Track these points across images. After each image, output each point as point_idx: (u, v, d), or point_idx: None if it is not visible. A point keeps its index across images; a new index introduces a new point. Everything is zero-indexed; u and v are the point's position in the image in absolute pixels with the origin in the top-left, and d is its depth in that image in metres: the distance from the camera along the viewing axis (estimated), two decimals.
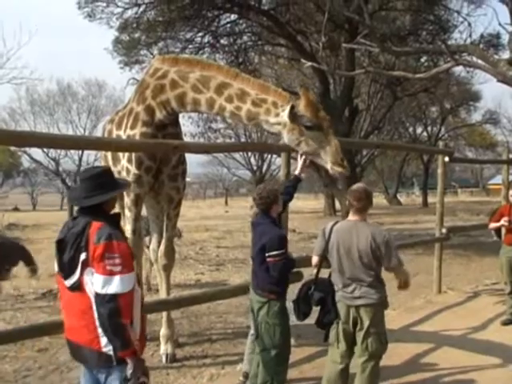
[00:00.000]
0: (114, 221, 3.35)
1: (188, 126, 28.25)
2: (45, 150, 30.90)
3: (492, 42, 18.72)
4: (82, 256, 3.14)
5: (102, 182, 3.35)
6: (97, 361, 3.21)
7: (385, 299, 4.52)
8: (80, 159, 34.07)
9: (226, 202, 54.43)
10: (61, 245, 3.26)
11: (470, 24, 11.64)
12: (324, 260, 4.64)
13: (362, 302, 4.40)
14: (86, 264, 3.14)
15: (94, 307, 3.13)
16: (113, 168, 6.27)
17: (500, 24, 11.50)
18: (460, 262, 12.43)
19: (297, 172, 5.23)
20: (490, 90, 54.88)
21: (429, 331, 7.10)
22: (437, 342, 6.55)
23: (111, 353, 3.13)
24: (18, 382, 5.47)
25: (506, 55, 13.55)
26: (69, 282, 3.22)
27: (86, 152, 30.66)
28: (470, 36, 12.37)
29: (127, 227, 5.91)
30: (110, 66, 22.71)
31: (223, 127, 34.35)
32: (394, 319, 7.66)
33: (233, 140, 34.59)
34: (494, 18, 45.32)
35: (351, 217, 4.58)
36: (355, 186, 4.64)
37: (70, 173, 35.35)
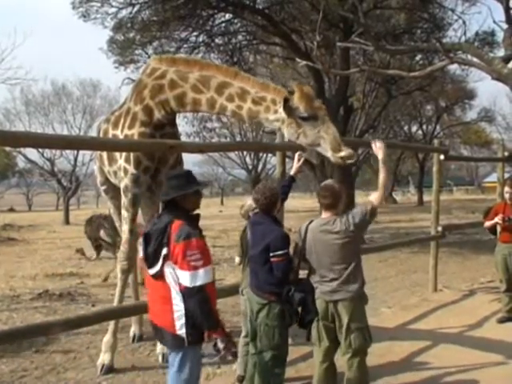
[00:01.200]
0: (193, 220, 3.74)
1: (183, 125, 28.22)
2: (40, 150, 30.78)
3: (487, 40, 18.72)
4: (164, 251, 3.59)
5: (180, 182, 3.77)
6: (172, 342, 3.70)
7: (362, 294, 4.54)
8: (75, 159, 33.88)
9: (222, 202, 54.40)
10: (146, 238, 3.71)
11: (464, 22, 11.63)
12: (302, 260, 4.65)
13: (339, 297, 4.42)
14: (166, 258, 3.59)
15: (173, 295, 3.61)
16: (108, 168, 6.26)
17: (495, 21, 11.50)
18: (456, 260, 12.47)
19: (292, 172, 5.24)
20: (485, 88, 54.78)
21: (424, 329, 7.12)
22: (433, 340, 6.56)
23: (184, 335, 3.61)
24: (15, 383, 5.48)
25: (500, 53, 13.55)
26: (151, 271, 3.69)
27: (81, 152, 30.58)
28: (465, 34, 12.36)
29: (124, 227, 5.91)
30: (105, 65, 22.68)
31: (218, 126, 34.34)
32: (389, 317, 7.70)
33: (228, 139, 34.55)
34: (488, 16, 45.42)
35: (323, 214, 4.60)
36: (323, 184, 4.68)
37: (66, 173, 35.19)
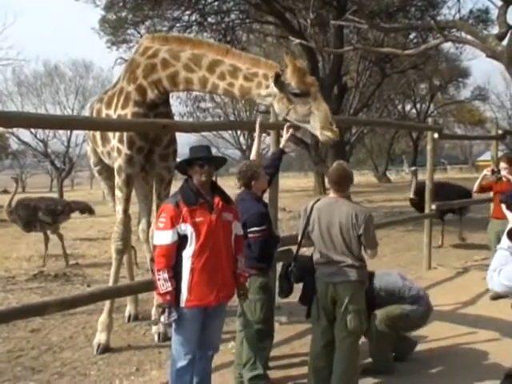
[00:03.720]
0: (192, 189, 3.93)
1: (176, 105, 28.01)
2: (33, 131, 30.69)
3: (481, 18, 18.70)
4: None
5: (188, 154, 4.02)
6: None
7: (364, 277, 4.53)
8: (68, 140, 33.81)
9: (216, 181, 54.30)
10: None
11: None
12: (306, 238, 4.64)
13: (340, 279, 4.40)
14: None
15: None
16: (101, 148, 6.23)
17: None
18: (449, 238, 12.51)
19: (281, 145, 5.25)
20: (479, 67, 54.73)
21: None
22: None
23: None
24: (12, 363, 5.50)
25: (495, 30, 13.51)
26: None
27: (74, 133, 30.45)
28: (459, 11, 12.34)
29: (118, 207, 5.89)
30: (97, 46, 22.49)
31: (212, 106, 34.19)
32: None
33: (222, 119, 34.40)
34: None
35: (332, 194, 4.59)
36: (335, 165, 4.61)
37: (59, 154, 35.10)
